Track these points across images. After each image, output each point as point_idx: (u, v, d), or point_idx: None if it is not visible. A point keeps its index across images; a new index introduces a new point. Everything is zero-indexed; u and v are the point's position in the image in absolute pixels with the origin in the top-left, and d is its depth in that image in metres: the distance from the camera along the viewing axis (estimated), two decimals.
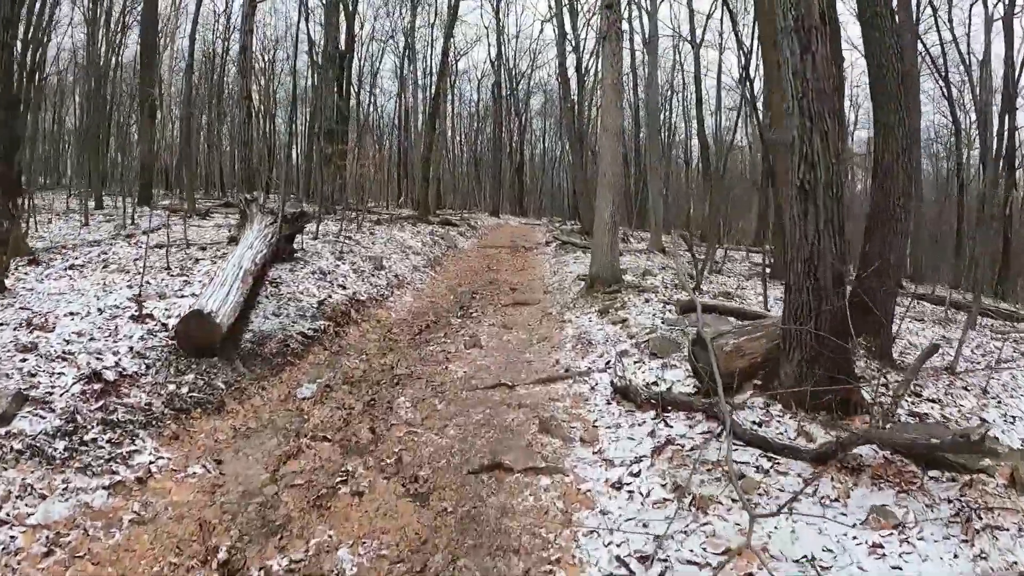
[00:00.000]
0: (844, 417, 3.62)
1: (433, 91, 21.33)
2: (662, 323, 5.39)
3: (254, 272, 5.76)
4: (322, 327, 5.75)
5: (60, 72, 23.09)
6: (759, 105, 12.56)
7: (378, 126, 32.71)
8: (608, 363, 4.66)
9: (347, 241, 10.36)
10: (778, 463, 3.13)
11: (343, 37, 21.34)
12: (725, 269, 11.73)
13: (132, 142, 18.20)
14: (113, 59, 19.97)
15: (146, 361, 4.23)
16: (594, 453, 3.32)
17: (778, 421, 3.49)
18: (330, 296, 6.55)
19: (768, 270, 12.92)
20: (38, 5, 15.95)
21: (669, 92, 27.20)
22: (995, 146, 14.59)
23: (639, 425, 3.56)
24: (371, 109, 31.92)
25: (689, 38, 24.41)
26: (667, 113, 28.32)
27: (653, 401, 3.73)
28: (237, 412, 4.05)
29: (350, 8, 20.93)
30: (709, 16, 23.28)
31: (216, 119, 24.62)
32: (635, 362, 4.58)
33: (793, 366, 3.64)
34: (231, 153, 25.68)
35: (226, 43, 23.49)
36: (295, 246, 7.82)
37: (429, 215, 18.92)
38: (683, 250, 11.34)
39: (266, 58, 29.05)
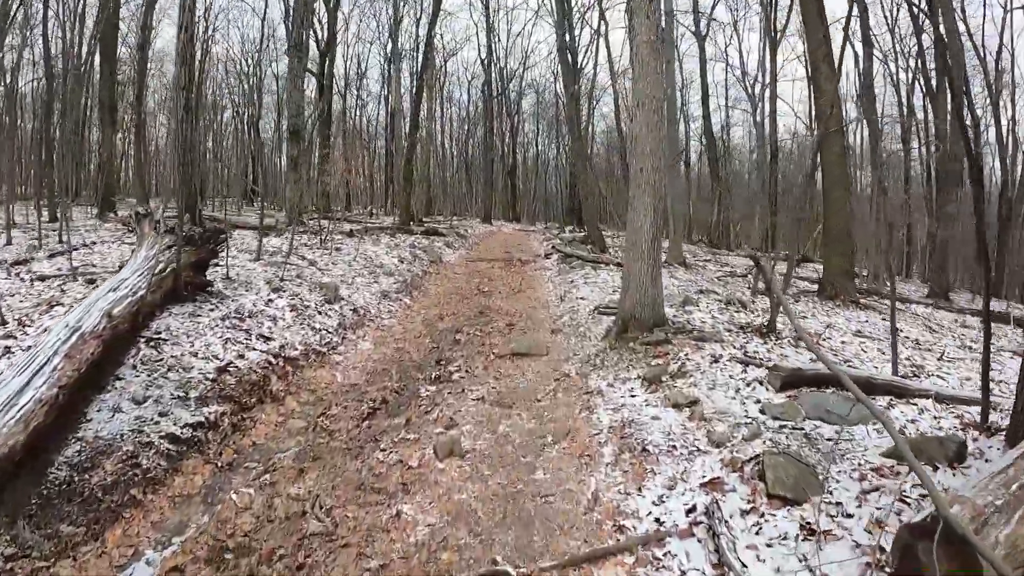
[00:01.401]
0: None
1: (416, 86, 19.24)
2: (761, 412, 3.29)
3: (107, 332, 3.63)
4: (211, 417, 3.60)
5: (40, 79, 21.06)
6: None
7: (365, 130, 30.79)
8: (691, 509, 2.56)
9: (300, 262, 8.23)
10: None
11: (325, 33, 19.21)
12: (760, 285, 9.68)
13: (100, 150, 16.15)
14: (91, 61, 17.95)
15: None
16: None
17: None
18: (241, 356, 4.40)
19: (816, 287, 10.98)
20: None
21: (668, 88, 25.27)
22: None
23: None
24: (358, 112, 30.02)
25: (693, 28, 22.55)
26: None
27: None
28: None
29: (331, 2, 18.86)
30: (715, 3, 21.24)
31: (206, 125, 22.79)
32: (745, 512, 2.48)
33: None
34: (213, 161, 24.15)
35: (205, 45, 21.48)
36: (209, 277, 5.68)
37: (412, 223, 16.80)
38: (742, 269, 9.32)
39: (249, 62, 27.09)
